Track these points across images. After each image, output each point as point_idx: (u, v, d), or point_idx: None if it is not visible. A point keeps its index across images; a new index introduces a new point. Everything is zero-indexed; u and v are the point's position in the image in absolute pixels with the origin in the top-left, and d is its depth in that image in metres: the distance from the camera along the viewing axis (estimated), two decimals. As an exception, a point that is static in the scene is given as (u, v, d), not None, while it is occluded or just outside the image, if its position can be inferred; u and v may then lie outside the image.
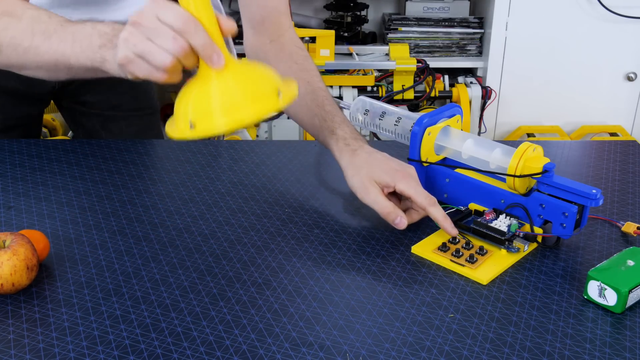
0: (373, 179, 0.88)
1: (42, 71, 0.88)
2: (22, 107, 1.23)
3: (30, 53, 0.85)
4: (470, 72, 2.37)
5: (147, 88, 1.36)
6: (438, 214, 0.85)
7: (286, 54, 1.05)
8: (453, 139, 0.93)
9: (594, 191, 0.80)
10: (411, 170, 0.89)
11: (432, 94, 2.16)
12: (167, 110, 2.59)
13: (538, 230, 0.85)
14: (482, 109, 2.23)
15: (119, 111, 1.28)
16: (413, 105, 2.17)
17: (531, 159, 0.85)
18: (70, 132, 2.04)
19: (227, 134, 0.69)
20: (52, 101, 1.34)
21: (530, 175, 0.84)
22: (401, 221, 0.86)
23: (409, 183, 0.87)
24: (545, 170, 0.83)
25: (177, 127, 0.72)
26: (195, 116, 0.69)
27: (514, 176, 0.85)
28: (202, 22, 0.68)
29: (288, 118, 2.13)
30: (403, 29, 2.34)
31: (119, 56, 0.72)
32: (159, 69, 0.70)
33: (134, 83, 1.32)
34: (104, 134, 1.30)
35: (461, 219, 0.89)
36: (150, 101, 1.36)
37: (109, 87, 1.27)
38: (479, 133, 2.27)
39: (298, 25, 2.14)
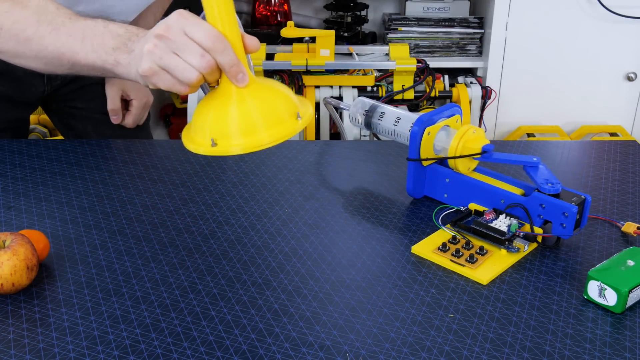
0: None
1: (40, 63, 0.85)
2: (12, 112, 1.23)
3: (32, 42, 0.83)
4: (470, 72, 2.37)
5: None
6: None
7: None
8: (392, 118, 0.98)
9: (534, 159, 0.86)
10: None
11: (432, 94, 2.16)
12: (167, 110, 2.59)
13: (538, 230, 0.85)
14: (482, 109, 2.23)
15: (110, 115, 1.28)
16: (413, 105, 2.17)
17: (471, 140, 0.90)
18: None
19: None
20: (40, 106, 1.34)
21: (470, 156, 0.89)
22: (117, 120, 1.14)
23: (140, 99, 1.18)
24: (484, 151, 0.88)
25: (196, 142, 0.72)
26: (215, 134, 0.69)
27: (455, 157, 0.89)
28: (229, 39, 0.68)
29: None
30: (403, 29, 2.34)
31: (143, 67, 0.71)
32: (184, 83, 0.70)
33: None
34: (95, 136, 1.30)
35: (461, 219, 0.89)
36: None
37: (101, 94, 1.27)
38: (479, 133, 2.27)
39: (298, 25, 2.14)
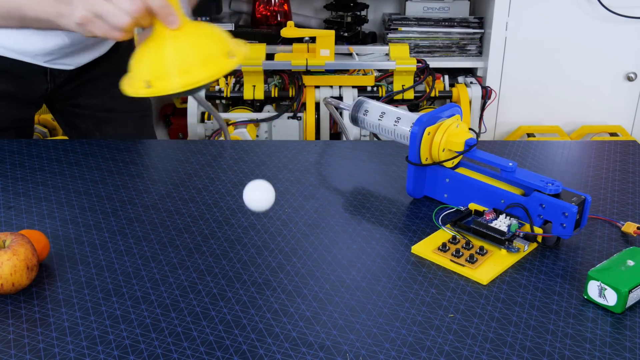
0: None
1: (17, 22, 0.86)
2: (16, 111, 1.23)
3: (5, 5, 0.83)
4: (470, 72, 2.37)
5: None
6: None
7: None
8: (376, 114, 0.99)
9: (510, 164, 0.87)
10: None
11: (432, 94, 2.16)
12: (167, 110, 2.59)
13: (538, 230, 0.85)
14: (482, 109, 2.23)
15: (113, 113, 1.28)
16: (413, 105, 2.17)
17: (454, 135, 0.91)
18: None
19: (181, 94, 0.75)
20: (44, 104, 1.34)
21: (454, 158, 0.91)
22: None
23: None
24: (470, 146, 0.90)
25: (134, 85, 0.74)
26: (152, 76, 0.72)
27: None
28: None
29: (288, 118, 2.13)
30: (403, 29, 2.34)
31: (78, 16, 0.74)
32: (117, 28, 0.73)
33: None
34: (98, 134, 1.30)
35: (461, 219, 0.89)
36: (144, 103, 1.36)
37: (104, 91, 1.27)
38: (479, 133, 2.27)
39: (298, 25, 2.14)
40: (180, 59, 0.71)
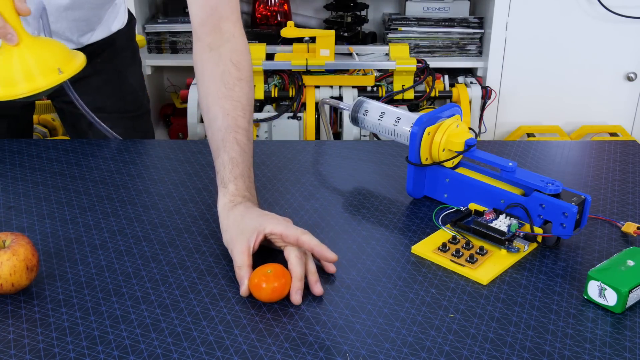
0: (242, 232, 0.81)
1: None
2: (7, 109, 1.23)
3: None
4: (470, 72, 2.37)
5: (135, 90, 1.35)
6: (312, 241, 0.78)
7: (219, 72, 0.93)
8: (376, 114, 0.99)
9: (510, 164, 0.87)
10: (284, 218, 0.83)
11: (432, 94, 2.16)
12: (167, 110, 2.59)
13: (538, 230, 0.85)
14: (482, 109, 2.23)
15: (104, 112, 1.28)
16: (413, 105, 2.17)
17: (454, 135, 0.91)
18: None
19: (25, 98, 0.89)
20: (50, 101, 1.34)
21: (454, 157, 0.89)
22: (243, 286, 0.76)
23: (279, 222, 0.80)
24: (469, 146, 0.90)
25: None
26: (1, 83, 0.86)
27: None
28: None
29: (288, 118, 2.13)
30: (403, 29, 2.34)
31: None
32: None
33: (120, 85, 1.32)
34: (91, 134, 1.30)
35: (461, 219, 0.89)
36: (136, 103, 1.36)
37: (95, 89, 1.27)
38: (479, 133, 2.27)
39: (298, 25, 2.14)
40: (22, 69, 0.86)
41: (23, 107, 1.31)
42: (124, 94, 1.32)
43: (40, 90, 0.87)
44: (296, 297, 0.75)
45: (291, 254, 0.78)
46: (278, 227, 0.80)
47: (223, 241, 0.83)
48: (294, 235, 0.78)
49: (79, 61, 0.92)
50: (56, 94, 1.28)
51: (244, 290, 0.76)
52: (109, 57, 1.28)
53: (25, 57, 0.86)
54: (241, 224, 0.82)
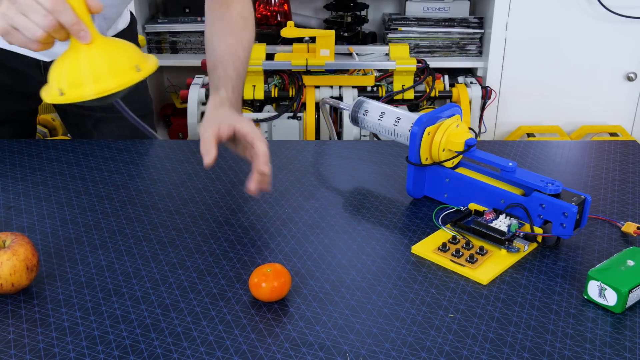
0: (217, 120, 0.95)
1: None
2: (11, 103, 1.23)
3: None
4: (470, 72, 2.37)
5: (139, 90, 1.35)
6: (261, 149, 0.90)
7: (227, 19, 1.09)
8: (376, 114, 1.00)
9: (510, 164, 0.87)
10: (258, 130, 0.94)
11: (432, 94, 2.16)
12: (167, 110, 2.59)
13: (538, 230, 0.85)
14: (482, 109, 2.23)
15: (110, 112, 1.28)
16: (413, 105, 2.17)
17: (454, 135, 0.91)
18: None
19: (94, 102, 0.83)
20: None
21: (454, 157, 0.89)
22: (207, 159, 0.90)
23: (250, 124, 0.94)
24: (469, 146, 0.90)
25: (50, 93, 0.82)
26: (65, 84, 0.80)
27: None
28: (70, 3, 0.78)
29: (288, 118, 2.13)
30: (403, 29, 2.34)
31: None
32: (33, 41, 0.79)
33: None
34: (96, 134, 1.30)
35: (461, 219, 0.89)
36: (142, 103, 1.36)
37: None
38: (479, 133, 2.27)
39: (298, 25, 2.13)
40: (91, 70, 0.80)
41: (29, 112, 1.31)
42: (130, 94, 1.32)
43: (111, 91, 0.80)
44: (251, 186, 0.82)
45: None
46: (247, 126, 0.93)
47: (199, 130, 0.97)
48: (253, 138, 0.91)
49: (152, 62, 0.85)
50: None
51: (209, 161, 0.88)
52: None
53: (96, 56, 0.80)
54: (219, 117, 0.96)
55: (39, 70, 1.21)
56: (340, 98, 2.12)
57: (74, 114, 1.31)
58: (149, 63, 0.84)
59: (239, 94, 1.04)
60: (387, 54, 2.21)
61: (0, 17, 0.80)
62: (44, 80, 1.23)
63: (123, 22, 1.29)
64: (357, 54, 2.20)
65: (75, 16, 0.78)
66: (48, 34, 0.78)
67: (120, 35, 1.29)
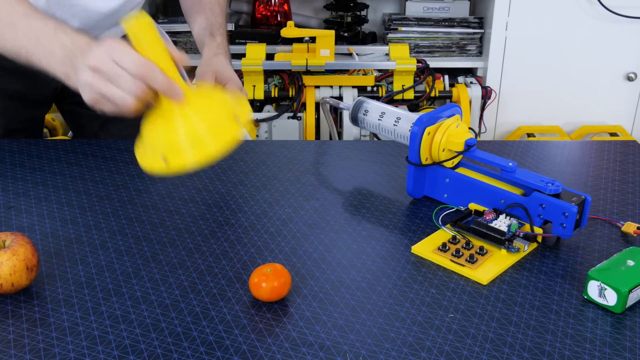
0: (213, 69, 1.09)
1: (2, 52, 0.88)
2: (26, 111, 1.23)
3: None
4: (470, 72, 2.37)
5: None
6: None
7: None
8: (376, 114, 1.00)
9: (510, 164, 0.87)
10: (238, 83, 1.10)
11: (432, 94, 2.16)
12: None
13: (538, 230, 0.85)
14: (482, 109, 2.23)
15: None
16: (413, 105, 2.17)
17: (454, 135, 0.91)
18: (70, 132, 2.04)
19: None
20: (53, 103, 1.34)
21: (454, 157, 0.89)
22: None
23: (232, 74, 1.10)
24: (469, 146, 0.90)
25: (150, 160, 0.75)
26: (166, 151, 0.73)
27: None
28: (156, 62, 0.72)
29: (288, 118, 2.13)
30: (403, 29, 2.34)
31: (87, 98, 0.77)
32: (124, 108, 0.75)
33: None
34: (103, 134, 1.30)
35: (461, 219, 0.89)
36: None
37: None
38: (479, 133, 2.27)
39: (298, 25, 2.13)
40: (190, 134, 0.72)
41: (42, 118, 1.31)
42: None
43: (215, 155, 0.72)
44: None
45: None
46: (227, 73, 1.10)
47: (196, 73, 1.11)
48: (226, 80, 1.09)
49: (246, 106, 0.78)
50: (65, 96, 1.28)
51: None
52: None
53: (192, 116, 0.72)
54: (216, 66, 1.10)
55: (52, 76, 1.21)
56: (340, 98, 2.12)
57: (79, 115, 1.31)
58: (246, 110, 0.77)
59: (227, 39, 1.19)
60: (387, 54, 2.21)
61: (87, 87, 0.76)
62: (57, 86, 1.23)
63: None
64: (357, 54, 2.20)
65: (164, 76, 0.73)
66: (139, 98, 0.73)
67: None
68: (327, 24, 2.39)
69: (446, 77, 2.22)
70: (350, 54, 2.21)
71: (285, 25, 2.08)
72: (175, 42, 2.39)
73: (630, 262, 0.76)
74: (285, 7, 2.42)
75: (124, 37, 0.90)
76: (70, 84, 0.81)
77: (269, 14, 2.40)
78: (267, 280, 0.74)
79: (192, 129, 0.72)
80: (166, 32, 2.41)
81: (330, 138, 2.18)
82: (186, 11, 1.25)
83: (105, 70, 0.73)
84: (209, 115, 0.74)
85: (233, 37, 2.24)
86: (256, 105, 2.17)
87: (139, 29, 0.73)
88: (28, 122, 1.24)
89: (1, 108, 1.19)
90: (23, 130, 1.23)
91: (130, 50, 0.73)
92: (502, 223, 0.85)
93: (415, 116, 0.94)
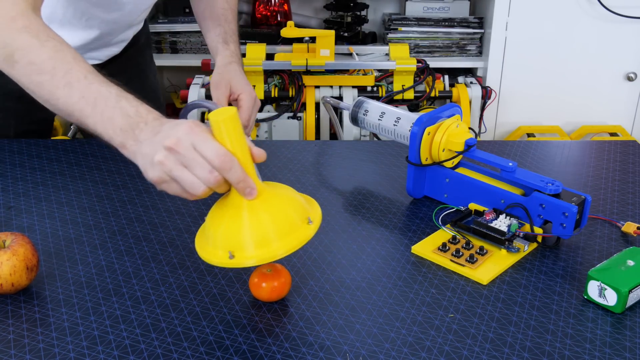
0: (227, 79, 1.12)
1: (49, 106, 0.83)
2: (36, 112, 1.22)
3: (44, 89, 0.80)
4: (470, 72, 2.37)
5: (154, 89, 1.36)
6: (245, 114, 1.11)
7: None
8: (376, 114, 1.00)
9: (510, 164, 0.87)
10: (254, 98, 1.13)
11: (432, 94, 2.16)
12: (167, 110, 2.59)
13: (538, 230, 0.85)
14: (482, 109, 2.23)
15: None
16: (413, 105, 2.17)
17: (454, 135, 0.91)
18: (71, 132, 2.04)
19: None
20: None
21: (454, 157, 0.86)
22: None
23: (249, 92, 1.12)
24: (469, 146, 0.90)
25: (210, 252, 0.72)
26: (230, 246, 0.70)
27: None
28: (236, 155, 0.70)
29: (288, 118, 2.13)
30: (403, 29, 2.34)
31: (153, 175, 0.73)
32: (192, 194, 0.71)
33: (142, 83, 1.32)
34: None
35: (461, 219, 0.89)
36: (156, 102, 1.36)
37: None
38: (479, 133, 2.27)
39: (298, 25, 2.13)
40: (258, 232, 0.70)
41: (51, 119, 1.31)
42: (146, 92, 1.32)
43: (281, 255, 0.70)
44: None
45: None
46: (241, 83, 1.12)
47: (210, 81, 1.15)
48: (240, 91, 1.11)
49: (317, 212, 0.75)
50: None
51: None
52: (132, 54, 1.28)
53: (263, 215, 0.71)
54: (229, 75, 1.13)
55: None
56: (340, 98, 2.12)
57: None
58: (318, 212, 0.75)
59: (239, 47, 1.21)
60: (387, 54, 2.21)
61: (157, 166, 0.72)
62: None
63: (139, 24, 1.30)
64: (357, 54, 2.20)
65: (243, 172, 0.70)
66: (210, 189, 0.70)
67: (139, 33, 1.29)
68: (327, 24, 2.39)
69: (446, 77, 2.22)
70: (350, 54, 2.21)
71: (285, 25, 2.07)
72: (174, 42, 2.39)
73: (630, 262, 0.76)
74: (285, 7, 2.42)
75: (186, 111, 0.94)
76: (124, 153, 0.78)
77: (269, 14, 2.41)
78: (267, 280, 0.74)
79: (261, 229, 0.71)
80: (166, 32, 2.41)
81: (336, 137, 2.18)
82: (199, 17, 1.25)
83: (183, 153, 0.70)
84: (280, 215, 0.72)
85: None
86: (256, 105, 2.16)
87: (224, 121, 0.70)
88: (37, 123, 1.24)
89: (11, 109, 1.19)
90: (32, 131, 1.23)
91: (212, 138, 0.70)
92: (502, 223, 0.85)
93: (415, 116, 0.94)
